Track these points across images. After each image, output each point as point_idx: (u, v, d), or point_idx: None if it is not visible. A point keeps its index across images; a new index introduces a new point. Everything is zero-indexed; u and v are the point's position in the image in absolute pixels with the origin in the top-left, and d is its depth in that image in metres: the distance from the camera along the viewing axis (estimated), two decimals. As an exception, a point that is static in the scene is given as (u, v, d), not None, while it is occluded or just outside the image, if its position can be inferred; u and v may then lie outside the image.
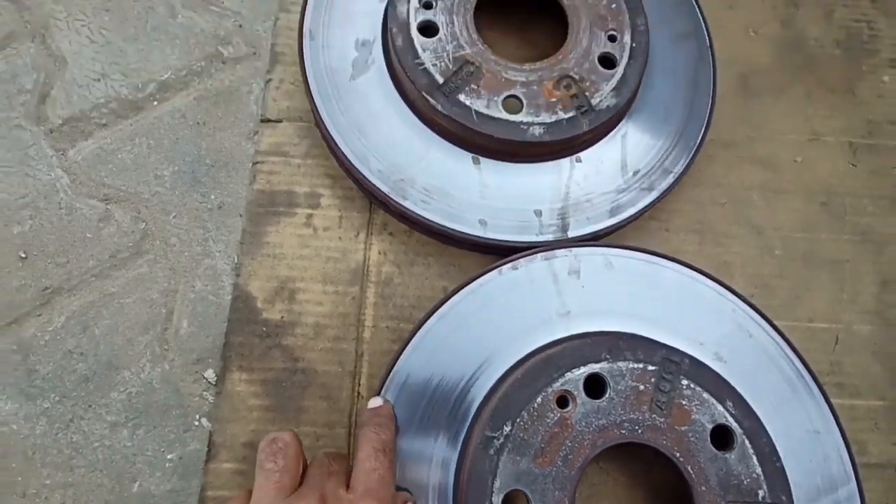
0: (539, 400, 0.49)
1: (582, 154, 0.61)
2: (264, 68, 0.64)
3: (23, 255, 0.57)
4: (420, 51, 0.58)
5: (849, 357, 0.63)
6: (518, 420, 0.49)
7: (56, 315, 0.56)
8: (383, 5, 0.63)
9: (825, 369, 0.62)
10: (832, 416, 0.55)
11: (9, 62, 0.61)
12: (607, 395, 0.50)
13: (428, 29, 0.59)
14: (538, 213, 0.59)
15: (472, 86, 0.58)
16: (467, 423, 0.51)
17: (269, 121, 0.64)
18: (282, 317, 0.58)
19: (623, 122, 0.63)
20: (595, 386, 0.51)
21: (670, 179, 0.62)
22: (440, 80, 0.57)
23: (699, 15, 0.69)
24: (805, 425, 0.55)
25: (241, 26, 0.66)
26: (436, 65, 0.58)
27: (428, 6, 0.60)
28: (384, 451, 0.43)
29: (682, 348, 0.54)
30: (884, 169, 0.70)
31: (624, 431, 0.49)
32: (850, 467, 0.53)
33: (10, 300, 0.56)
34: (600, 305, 0.56)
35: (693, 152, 0.63)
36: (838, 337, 0.63)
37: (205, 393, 0.56)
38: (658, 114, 0.64)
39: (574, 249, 0.57)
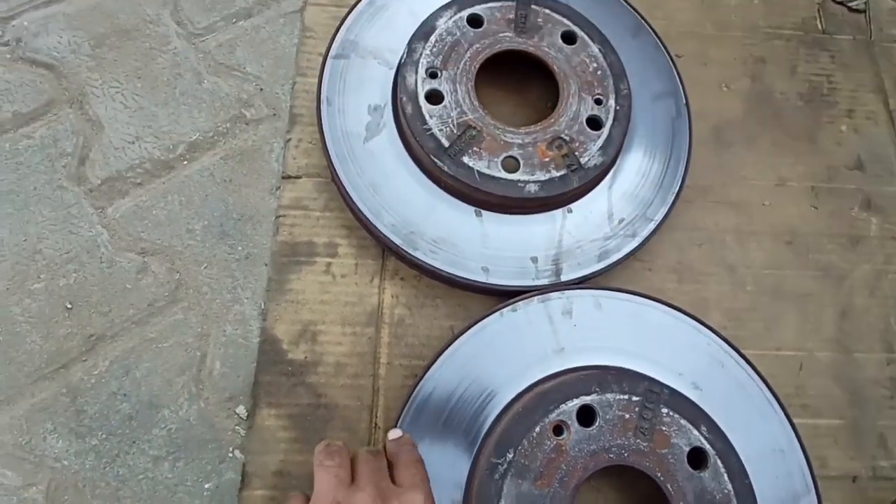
0: (538, 429, 0.56)
1: (573, 205, 0.68)
2: (284, 128, 0.71)
3: (69, 306, 0.63)
4: (427, 117, 0.65)
5: (812, 381, 0.70)
6: (519, 447, 0.55)
7: (101, 360, 0.62)
8: (392, 73, 0.70)
9: (791, 392, 0.69)
10: (795, 437, 0.62)
11: (50, 128, 0.67)
12: (597, 424, 0.57)
13: (434, 97, 0.66)
14: (534, 260, 0.66)
15: (475, 148, 0.65)
16: (475, 450, 0.58)
17: (289, 177, 0.70)
18: (305, 357, 0.64)
19: (609, 175, 0.70)
20: (586, 415, 0.58)
21: (651, 226, 0.69)
22: (446, 143, 0.64)
23: (676, 74, 0.77)
24: (771, 445, 0.62)
25: (261, 90, 0.73)
26: (441, 129, 0.65)
27: (434, 76, 0.67)
28: (416, 463, 0.50)
29: (662, 379, 0.62)
30: (841, 210, 0.78)
31: (612, 455, 0.56)
32: (811, 481, 0.60)
33: (58, 348, 0.62)
34: (591, 342, 0.63)
35: (672, 201, 0.70)
36: (802, 363, 0.71)
37: (237, 427, 0.62)
38: (640, 166, 0.71)
39: (567, 292, 0.64)
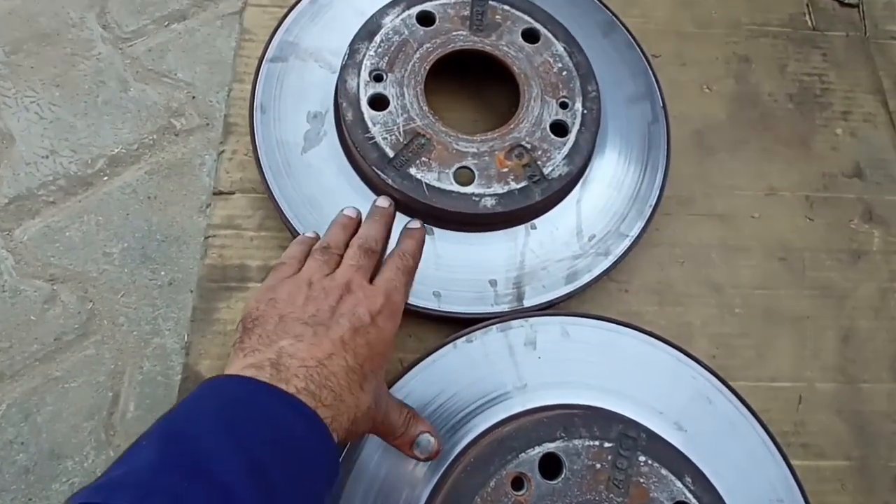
0: (493, 484, 0.48)
1: (536, 221, 0.61)
2: (217, 139, 0.64)
3: (-37, 342, 0.56)
4: (370, 125, 0.58)
5: (813, 416, 0.62)
6: (471, 507, 0.47)
7: (-3, 403, 0.55)
8: (334, 77, 0.63)
9: (790, 430, 0.61)
10: (795, 483, 0.54)
11: (-45, 141, 0.60)
12: (563, 476, 0.49)
13: (378, 102, 0.60)
14: (493, 283, 0.58)
15: (423, 158, 0.58)
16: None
17: (221, 193, 0.63)
18: (234, 396, 0.56)
19: (578, 186, 0.63)
20: (551, 466, 0.49)
21: (626, 243, 0.62)
22: (391, 153, 0.57)
23: (652, 75, 0.70)
24: (769, 495, 0.54)
25: (193, 97, 0.66)
26: (386, 138, 0.58)
27: (378, 79, 0.60)
28: (405, 272, 0.50)
29: (640, 419, 0.54)
30: (840, 222, 0.70)
31: (581, 514, 0.48)
32: (816, 538, 0.52)
33: (-52, 389, 0.54)
34: (557, 377, 0.55)
35: (649, 215, 0.63)
36: (801, 396, 0.63)
37: (152, 480, 0.54)
38: (612, 177, 0.64)
39: (530, 319, 0.57)
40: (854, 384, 0.63)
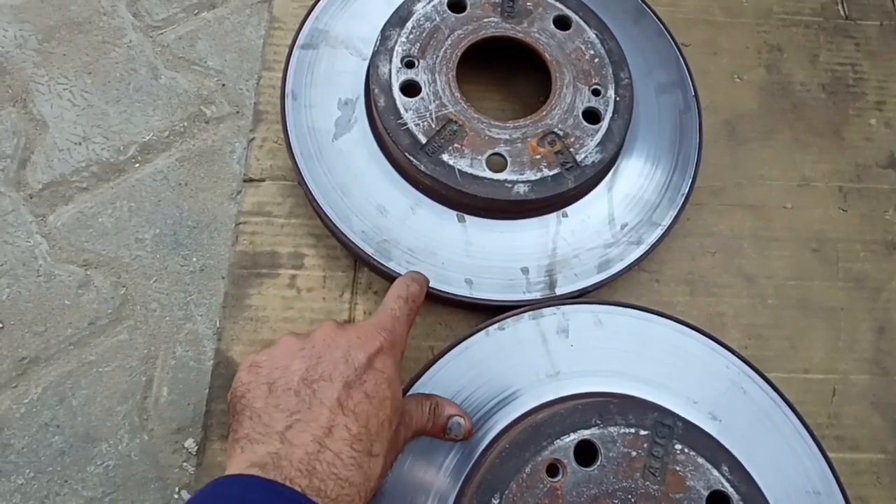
0: (528, 469, 0.48)
1: (568, 209, 0.60)
2: (247, 127, 0.64)
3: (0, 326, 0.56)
4: (402, 111, 0.58)
5: (847, 408, 0.61)
6: (507, 492, 0.47)
7: (33, 386, 0.55)
8: (366, 64, 0.63)
9: (824, 422, 0.60)
10: (832, 475, 0.53)
11: (-11, 127, 0.61)
12: (598, 463, 0.48)
13: (410, 88, 0.59)
14: (525, 271, 0.58)
15: (456, 145, 0.57)
16: (455, 494, 0.50)
17: (251, 180, 0.63)
18: (265, 382, 0.57)
19: (609, 175, 0.62)
20: (586, 453, 0.49)
21: (659, 232, 0.61)
22: (423, 140, 0.57)
23: (683, 63, 0.69)
24: (805, 486, 0.53)
25: (223, 85, 0.66)
26: (418, 124, 0.58)
27: (410, 65, 0.60)
28: (406, 300, 0.47)
29: (675, 408, 0.53)
30: (874, 213, 0.69)
31: (617, 501, 0.47)
32: (853, 530, 0.51)
33: (-15, 373, 0.55)
34: (590, 365, 0.55)
35: (681, 204, 0.62)
36: (836, 388, 0.62)
37: (185, 464, 0.54)
38: (645, 166, 0.63)
39: (562, 307, 0.56)
40: (890, 377, 0.62)
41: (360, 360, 0.41)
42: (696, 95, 0.68)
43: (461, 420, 0.47)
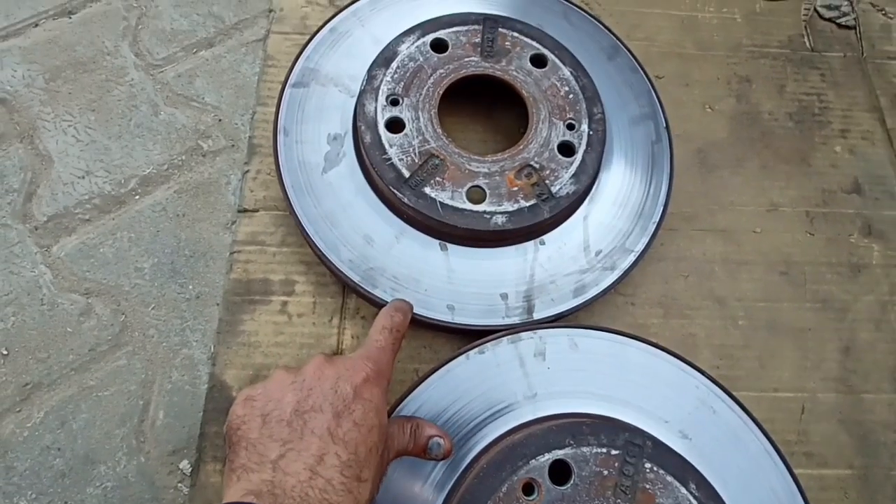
0: (504, 489, 0.50)
1: (545, 237, 0.64)
2: (242, 160, 0.68)
3: (4, 352, 0.59)
4: (387, 146, 0.61)
5: (816, 426, 0.64)
6: (484, 511, 0.50)
7: (35, 410, 0.58)
8: (354, 100, 0.66)
9: (793, 439, 0.63)
10: (798, 491, 0.56)
11: (-2, 163, 0.64)
12: (572, 482, 0.51)
13: (394, 125, 0.63)
14: (504, 297, 0.61)
15: (438, 178, 0.61)
16: (437, 511, 0.52)
17: (246, 211, 0.66)
18: (257, 405, 0.59)
19: (584, 204, 0.66)
20: (560, 472, 0.52)
21: (632, 258, 0.64)
22: (407, 174, 0.60)
23: (655, 97, 0.73)
24: (772, 502, 0.55)
25: (220, 120, 0.70)
26: (402, 159, 0.61)
27: (395, 103, 0.64)
28: (391, 330, 0.49)
29: (647, 427, 0.56)
30: (840, 237, 0.72)
31: (589, 518, 0.50)
32: (818, 544, 0.54)
33: (-10, 398, 0.58)
34: (566, 387, 0.58)
35: (653, 231, 0.66)
36: (804, 406, 0.64)
37: (180, 485, 0.57)
38: (618, 195, 0.67)
39: (539, 332, 0.59)
40: (856, 395, 0.65)
41: (348, 390, 0.43)
42: (667, 127, 0.72)
43: (440, 440, 0.50)
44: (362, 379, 0.45)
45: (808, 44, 0.84)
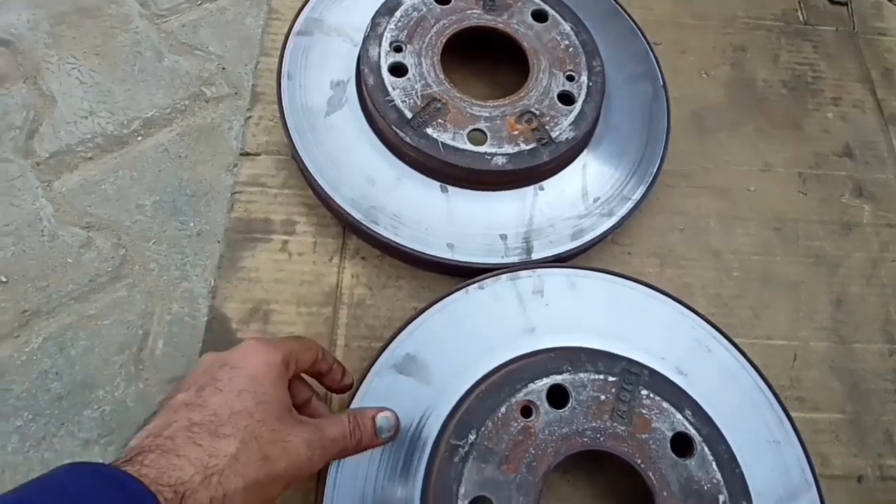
0: (503, 410, 0.51)
1: (544, 183, 0.65)
2: (245, 107, 0.68)
3: (4, 280, 0.59)
4: (390, 89, 0.62)
5: (807, 372, 0.64)
6: (482, 429, 0.50)
7: (33, 336, 0.58)
8: (357, 50, 0.68)
9: (785, 384, 0.64)
10: (792, 428, 0.56)
11: (0, 101, 0.65)
12: (569, 405, 0.51)
13: (398, 69, 0.64)
14: (503, 238, 0.62)
15: (439, 120, 0.62)
16: (434, 435, 0.52)
17: (248, 154, 0.67)
18: (256, 338, 0.59)
19: (583, 153, 0.67)
20: (557, 396, 0.52)
21: (629, 205, 0.65)
22: (409, 115, 0.61)
23: (653, 58, 0.75)
24: (765, 436, 0.56)
25: (223, 69, 0.71)
26: (405, 101, 0.62)
27: (398, 49, 0.65)
28: (297, 340, 0.48)
29: (643, 362, 0.56)
30: (832, 197, 0.74)
31: (586, 439, 0.50)
32: (811, 476, 0.54)
33: (-13, 323, 0.57)
34: (564, 323, 0.58)
35: (650, 181, 0.67)
36: (796, 353, 0.65)
37: (177, 412, 0.56)
38: (616, 146, 0.68)
39: (538, 270, 0.60)
40: (847, 344, 0.66)
41: (218, 365, 0.44)
42: (664, 86, 0.73)
43: (387, 414, 0.49)
44: (240, 353, 0.44)
45: (801, 18, 0.86)
